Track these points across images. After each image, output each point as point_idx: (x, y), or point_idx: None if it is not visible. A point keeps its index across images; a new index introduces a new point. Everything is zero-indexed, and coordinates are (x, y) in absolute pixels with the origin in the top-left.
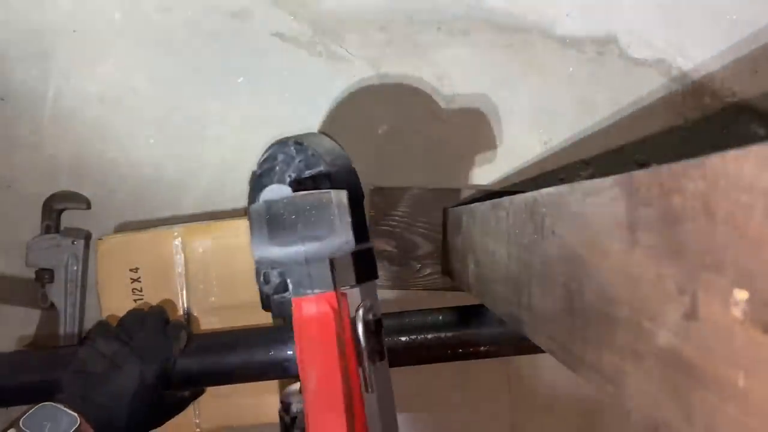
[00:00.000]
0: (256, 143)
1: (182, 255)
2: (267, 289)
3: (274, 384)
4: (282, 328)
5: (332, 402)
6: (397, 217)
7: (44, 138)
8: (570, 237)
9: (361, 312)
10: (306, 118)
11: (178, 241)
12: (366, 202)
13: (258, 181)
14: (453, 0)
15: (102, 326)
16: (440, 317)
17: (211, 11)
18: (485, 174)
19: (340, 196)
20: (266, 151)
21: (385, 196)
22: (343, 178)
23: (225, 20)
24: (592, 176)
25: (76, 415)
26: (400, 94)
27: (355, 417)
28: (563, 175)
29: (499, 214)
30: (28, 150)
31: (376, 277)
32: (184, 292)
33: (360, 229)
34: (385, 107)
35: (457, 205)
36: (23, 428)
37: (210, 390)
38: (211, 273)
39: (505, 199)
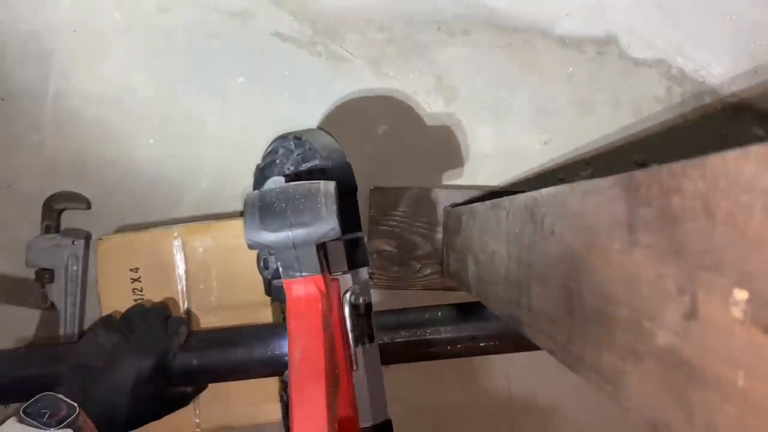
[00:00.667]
0: (256, 143)
1: (182, 255)
2: (266, 274)
3: (273, 384)
4: (281, 325)
5: (313, 373)
6: (397, 217)
7: (44, 138)
8: (570, 237)
9: (348, 295)
10: (306, 118)
11: (178, 241)
12: (366, 202)
13: (261, 174)
14: (453, 0)
15: (105, 319)
16: (439, 314)
17: (211, 11)
18: (485, 174)
19: (328, 187)
20: (269, 145)
21: (385, 196)
22: (337, 170)
23: (225, 20)
24: (592, 176)
25: (75, 404)
26: (400, 94)
27: (341, 390)
28: (563, 175)
29: (499, 214)
30: (28, 150)
31: (366, 264)
32: (185, 291)
33: (352, 219)
34: (385, 107)
35: (457, 205)
36: (24, 417)
37: (210, 390)
38: (211, 273)
39: (505, 199)
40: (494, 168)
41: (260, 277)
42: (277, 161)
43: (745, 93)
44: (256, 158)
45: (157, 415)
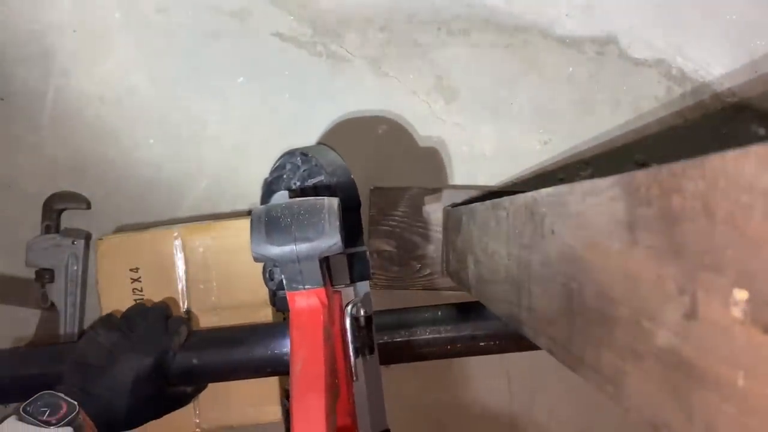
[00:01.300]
0: (256, 143)
1: (182, 255)
2: (272, 285)
3: (274, 383)
4: (281, 324)
5: (314, 383)
6: (397, 217)
7: (44, 138)
8: (570, 237)
9: (350, 308)
10: (306, 118)
11: (178, 241)
12: (366, 202)
13: (268, 187)
14: (453, 0)
15: (106, 318)
16: (439, 314)
17: (210, 11)
18: (485, 174)
19: (332, 203)
20: (277, 160)
21: (384, 196)
22: (341, 186)
23: (225, 20)
24: (592, 176)
25: (75, 403)
26: (400, 93)
27: (341, 400)
28: (563, 175)
29: (499, 214)
30: (28, 150)
31: (368, 278)
32: (185, 291)
33: (355, 234)
34: (385, 107)
35: (457, 205)
36: (23, 415)
37: (210, 390)
38: (211, 273)
39: (505, 199)
40: (494, 168)
41: (260, 277)
42: (284, 176)
43: (745, 93)
44: (256, 158)
45: (157, 415)
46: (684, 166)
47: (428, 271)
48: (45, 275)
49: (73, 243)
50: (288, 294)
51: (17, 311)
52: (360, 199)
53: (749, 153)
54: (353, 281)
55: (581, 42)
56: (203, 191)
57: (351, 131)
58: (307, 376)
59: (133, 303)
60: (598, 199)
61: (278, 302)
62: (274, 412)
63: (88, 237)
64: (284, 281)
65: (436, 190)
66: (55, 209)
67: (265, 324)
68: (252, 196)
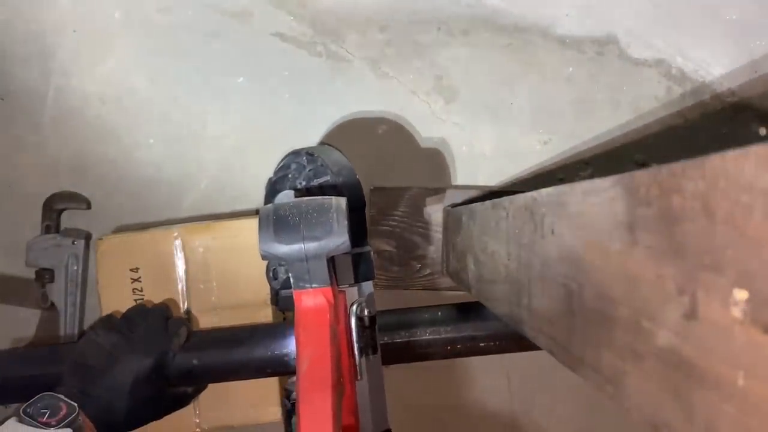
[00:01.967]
0: (256, 143)
1: (182, 255)
2: (275, 284)
3: (274, 384)
4: (281, 325)
5: (321, 382)
6: (397, 217)
7: (44, 138)
8: (570, 237)
9: (355, 307)
10: (306, 118)
11: (178, 241)
12: (366, 202)
13: (273, 187)
14: (453, 0)
15: (106, 319)
16: (439, 314)
17: (211, 11)
18: (485, 174)
19: (340, 202)
20: (282, 160)
21: (385, 196)
22: (347, 187)
23: (225, 20)
24: (592, 176)
25: (75, 405)
26: (400, 94)
27: (345, 399)
28: (563, 175)
29: (499, 214)
30: (28, 150)
31: (372, 278)
32: (185, 291)
33: (360, 234)
34: (385, 107)
35: (457, 205)
36: (23, 416)
37: (210, 390)
38: (211, 273)
39: (505, 199)
40: (494, 168)
41: (260, 278)
42: (289, 176)
43: (745, 93)
44: (256, 158)
45: (157, 415)
46: (684, 166)
47: (428, 271)
48: (45, 275)
49: (73, 243)
50: (295, 293)
51: (17, 311)
52: (365, 199)
53: (749, 153)
54: (357, 281)
55: (581, 42)
56: (203, 191)
57: (351, 131)
58: (313, 375)
59: (133, 303)
60: (598, 199)
61: (281, 301)
62: (274, 412)
63: (88, 237)
64: (291, 280)
65: (436, 190)
66: (55, 209)
67: (266, 324)
68: (252, 196)
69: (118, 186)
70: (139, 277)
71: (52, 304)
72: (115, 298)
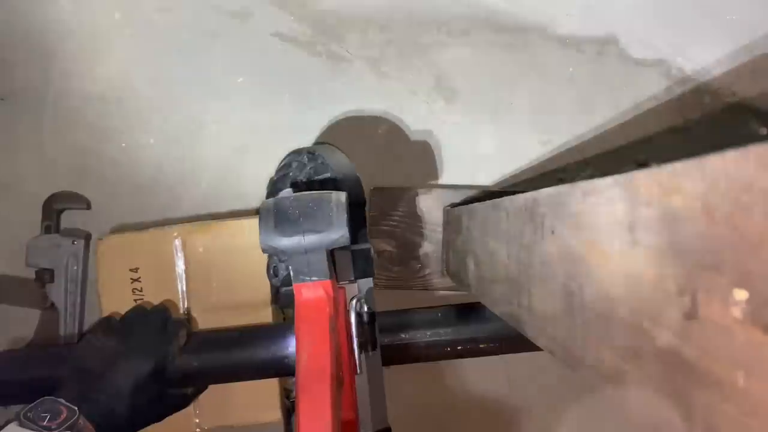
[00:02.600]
0: (256, 143)
1: (182, 255)
2: (275, 281)
3: (274, 384)
4: (282, 326)
5: (320, 373)
6: (397, 218)
7: (44, 138)
8: (570, 237)
9: (354, 302)
10: (306, 118)
11: (178, 241)
12: (366, 202)
13: (274, 186)
14: (453, 0)
15: (104, 321)
16: (439, 315)
17: (211, 11)
18: (485, 174)
19: (339, 196)
20: (283, 159)
21: (385, 196)
22: (347, 184)
23: (225, 20)
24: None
25: (75, 408)
26: (400, 94)
27: (344, 393)
28: (563, 175)
29: (499, 214)
30: (28, 150)
31: (372, 275)
32: (184, 291)
33: (359, 231)
34: (385, 107)
35: (457, 205)
36: (24, 420)
37: (210, 390)
38: (211, 273)
39: (505, 199)
40: (494, 168)
41: (260, 277)
42: (290, 174)
43: (745, 93)
44: (256, 158)
45: (158, 417)
46: (684, 166)
47: (428, 271)
48: (45, 275)
49: (73, 243)
50: (295, 286)
51: (17, 311)
52: (365, 196)
53: (749, 153)
54: (357, 278)
55: (581, 42)
56: (203, 191)
57: (351, 131)
58: (312, 367)
59: (133, 303)
60: (599, 199)
61: (281, 298)
62: (274, 412)
63: (88, 237)
64: (291, 273)
65: (436, 190)
66: (55, 209)
67: (266, 326)
68: (252, 196)
69: (118, 186)
70: (139, 277)
71: (52, 304)
72: (115, 298)
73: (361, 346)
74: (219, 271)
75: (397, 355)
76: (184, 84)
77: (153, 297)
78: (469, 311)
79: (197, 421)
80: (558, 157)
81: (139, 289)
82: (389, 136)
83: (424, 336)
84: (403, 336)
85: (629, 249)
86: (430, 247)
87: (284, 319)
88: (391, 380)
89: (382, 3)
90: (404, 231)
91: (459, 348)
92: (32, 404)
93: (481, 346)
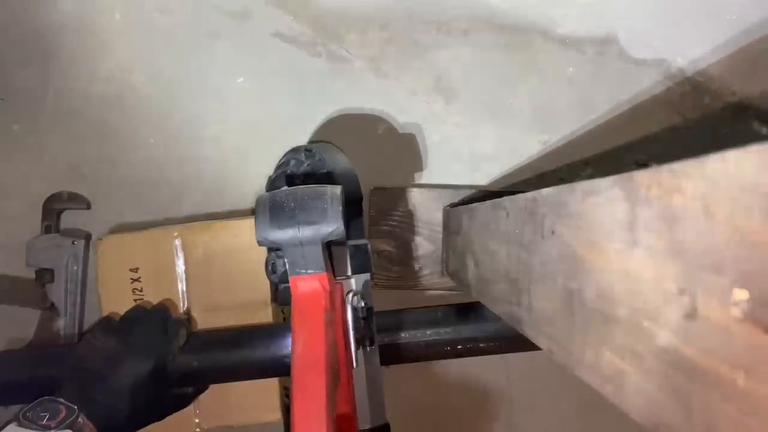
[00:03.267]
0: (256, 143)
1: (182, 255)
2: (274, 278)
3: (274, 384)
4: (281, 326)
5: (314, 363)
6: (397, 218)
7: (44, 138)
8: (570, 237)
9: (351, 296)
10: (306, 118)
11: (178, 241)
12: (366, 202)
13: (272, 184)
14: (453, 0)
15: (104, 321)
16: (439, 314)
17: (211, 11)
18: (485, 174)
19: (334, 189)
20: (281, 158)
21: (385, 196)
22: (344, 179)
23: (225, 20)
24: (592, 176)
25: (75, 407)
26: (400, 94)
27: (341, 387)
28: (563, 175)
29: (499, 214)
30: (28, 150)
31: (369, 270)
32: (184, 291)
33: (356, 227)
34: (385, 107)
35: (457, 205)
36: (23, 420)
37: (210, 390)
38: (211, 273)
39: (505, 199)
40: (494, 168)
41: (260, 277)
42: (288, 171)
43: (745, 93)
44: (255, 158)
45: (158, 417)
46: (684, 166)
47: (428, 271)
48: (45, 275)
49: (73, 243)
50: (291, 279)
51: (17, 311)
52: (362, 193)
53: (749, 153)
54: (354, 273)
55: (581, 42)
56: (203, 191)
57: (351, 131)
58: (307, 357)
59: (133, 303)
60: (599, 199)
61: (280, 295)
62: (274, 412)
63: (88, 237)
64: (287, 266)
65: (436, 190)
66: (55, 209)
67: (266, 325)
68: (252, 196)
69: (118, 186)
70: (139, 277)
71: (52, 304)
72: (115, 298)
73: (358, 341)
74: (219, 271)
75: (397, 355)
76: (184, 84)
77: (153, 297)
78: (469, 311)
79: (197, 421)
80: (558, 157)
81: (139, 289)
82: (389, 136)
83: (424, 335)
84: (403, 335)
85: (629, 249)
86: (429, 247)
87: (284, 319)
88: (392, 380)
89: (382, 3)
90: (404, 231)
91: (459, 347)
92: (30, 405)
93: (481, 345)
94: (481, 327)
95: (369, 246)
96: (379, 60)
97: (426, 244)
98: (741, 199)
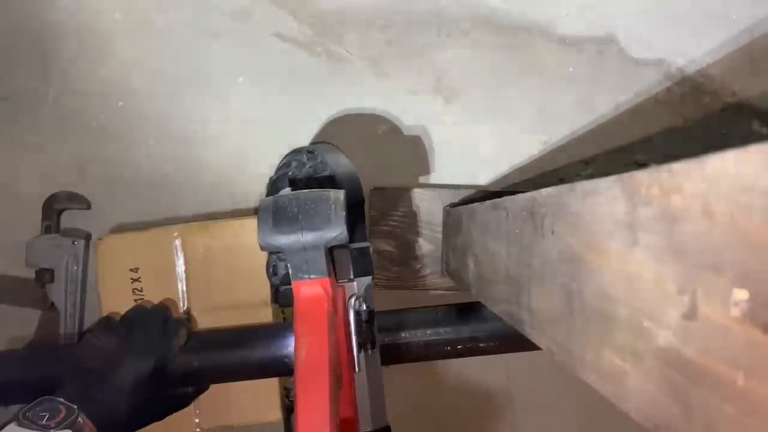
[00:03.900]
0: (256, 143)
1: (182, 255)
2: (275, 280)
3: (274, 384)
4: (281, 325)
5: (318, 369)
6: (397, 218)
7: (45, 138)
8: (570, 237)
9: (353, 300)
10: (306, 118)
11: (178, 241)
12: (366, 202)
13: (274, 185)
14: (453, 0)
15: (104, 321)
16: (439, 314)
17: (211, 11)
18: (485, 174)
19: (338, 194)
20: (283, 158)
21: (385, 196)
22: (346, 182)
23: (225, 20)
24: (592, 176)
25: (75, 407)
26: (400, 94)
27: (343, 391)
28: (563, 175)
29: (499, 214)
30: (28, 150)
31: (371, 273)
32: (185, 291)
33: (358, 230)
34: (385, 107)
35: (457, 205)
36: (23, 420)
37: (210, 390)
38: (211, 273)
39: (505, 199)
40: (494, 168)
41: (260, 277)
42: (290, 173)
43: (745, 93)
44: (256, 158)
45: (159, 417)
46: (684, 166)
47: (428, 271)
48: (45, 275)
49: (73, 243)
50: (293, 283)
51: (17, 311)
52: (364, 195)
53: (749, 153)
54: (356, 276)
55: (581, 42)
56: (203, 191)
57: (351, 131)
58: (311, 363)
59: (133, 303)
60: (599, 199)
61: (281, 297)
62: (274, 412)
63: (88, 237)
64: (290, 270)
65: (436, 190)
66: (55, 209)
67: (266, 325)
68: (252, 196)
69: (118, 186)
70: (139, 277)
71: (52, 304)
72: (115, 298)
73: (360, 345)
74: (219, 271)
75: (398, 355)
76: (185, 84)
77: (153, 297)
78: (469, 311)
79: (197, 421)
80: (558, 157)
81: (139, 289)
82: (389, 136)
83: (424, 335)
84: (403, 335)
85: (629, 249)
86: (429, 247)
87: (284, 318)
88: (391, 379)
89: (382, 3)
90: (404, 231)
91: (459, 347)
92: (30, 404)
93: (481, 345)
94: (481, 327)
95: (371, 249)
96: (379, 60)
97: (426, 244)
98: (741, 199)
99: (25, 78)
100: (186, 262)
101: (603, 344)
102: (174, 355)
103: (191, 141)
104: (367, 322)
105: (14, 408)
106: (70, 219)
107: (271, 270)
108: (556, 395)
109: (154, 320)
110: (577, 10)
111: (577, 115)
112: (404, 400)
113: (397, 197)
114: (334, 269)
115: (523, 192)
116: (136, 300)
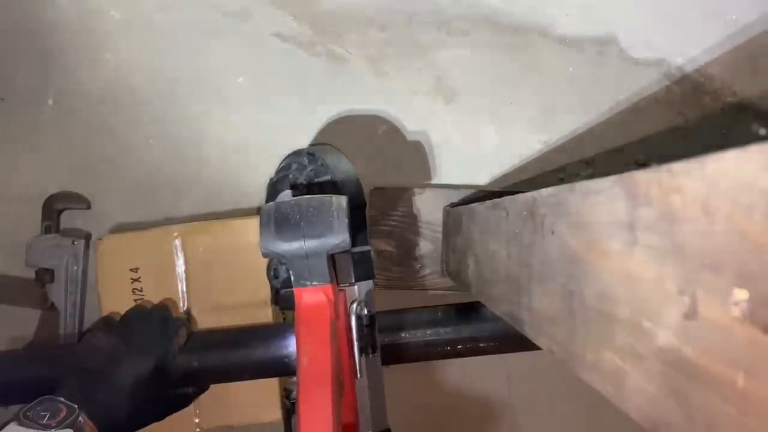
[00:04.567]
0: (256, 143)
1: (182, 255)
2: (276, 283)
3: (274, 384)
4: (282, 326)
5: (321, 377)
6: (397, 218)
7: (44, 138)
8: (570, 237)
9: (354, 306)
10: (306, 118)
11: (178, 241)
12: (366, 204)
13: (274, 187)
14: (453, 0)
15: (105, 320)
16: (439, 314)
17: (211, 11)
18: (485, 174)
19: (340, 201)
20: (283, 160)
21: (385, 196)
22: (347, 186)
23: (225, 20)
24: (592, 176)
25: (75, 407)
26: (400, 94)
27: (345, 396)
28: (563, 175)
29: (499, 214)
30: (28, 150)
31: (372, 277)
32: (185, 291)
33: (360, 234)
34: (385, 107)
35: (457, 205)
36: (23, 419)
37: (210, 390)
38: (211, 273)
39: (505, 199)
40: (494, 168)
41: (260, 278)
42: (290, 175)
43: (745, 93)
44: (256, 158)
45: (159, 417)
46: (684, 166)
47: (428, 271)
48: (45, 275)
49: (73, 243)
50: (295, 290)
51: (17, 311)
52: (365, 198)
53: (749, 153)
54: (357, 280)
55: (581, 42)
56: (203, 191)
57: (351, 131)
58: (313, 371)
59: (133, 303)
60: (599, 199)
61: (281, 300)
62: (274, 412)
63: (88, 237)
64: (292, 277)
65: (436, 190)
66: (55, 209)
67: (266, 325)
68: (252, 196)
69: (118, 186)
70: (139, 277)
71: (52, 304)
72: (115, 298)
73: (361, 350)
74: (219, 271)
75: (398, 355)
76: (184, 84)
77: (153, 297)
78: (469, 311)
79: (197, 421)
80: (558, 157)
81: (139, 289)
82: (389, 136)
83: (424, 335)
84: (403, 335)
85: (629, 249)
86: (429, 247)
87: (284, 319)
88: (391, 380)
89: (382, 3)
90: (404, 231)
91: (459, 347)
92: (31, 404)
93: (481, 345)
94: (481, 327)
95: (372, 253)
96: (379, 60)
97: (426, 244)
98: (741, 199)
99: (25, 78)
100: (186, 262)
101: (603, 344)
102: (174, 355)
103: (191, 141)
104: (368, 326)
105: (14, 408)
106: (70, 219)
107: (272, 273)
108: (556, 395)
109: (154, 320)
110: (578, 10)
111: (577, 115)
112: (404, 400)
113: (397, 197)
114: (335, 274)
115: (523, 192)
116: (136, 300)
